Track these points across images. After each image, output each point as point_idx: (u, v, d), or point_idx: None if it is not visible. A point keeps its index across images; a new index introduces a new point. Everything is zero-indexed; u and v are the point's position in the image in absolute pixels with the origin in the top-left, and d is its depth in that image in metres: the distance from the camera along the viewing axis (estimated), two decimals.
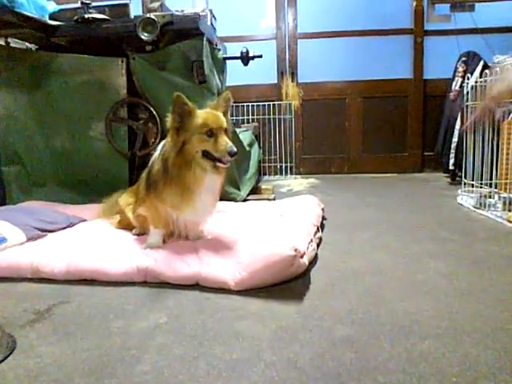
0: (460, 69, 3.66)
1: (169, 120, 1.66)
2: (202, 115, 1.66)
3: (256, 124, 4.26)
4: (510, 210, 2.39)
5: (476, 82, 2.86)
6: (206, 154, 1.66)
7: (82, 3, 2.62)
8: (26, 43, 2.90)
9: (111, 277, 1.58)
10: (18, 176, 2.82)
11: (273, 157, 4.49)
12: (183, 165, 1.67)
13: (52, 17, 2.67)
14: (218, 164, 1.67)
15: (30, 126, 2.78)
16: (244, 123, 4.29)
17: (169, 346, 1.12)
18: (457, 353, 1.05)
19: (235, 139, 2.95)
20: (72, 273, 1.60)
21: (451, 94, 3.72)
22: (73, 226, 2.20)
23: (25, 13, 2.41)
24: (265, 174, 4.48)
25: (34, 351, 1.11)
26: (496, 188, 2.68)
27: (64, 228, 2.14)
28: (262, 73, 4.39)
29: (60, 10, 2.74)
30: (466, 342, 1.10)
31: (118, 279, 1.57)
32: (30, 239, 1.91)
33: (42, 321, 1.28)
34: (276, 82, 4.49)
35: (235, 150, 1.63)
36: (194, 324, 1.24)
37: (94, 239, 1.93)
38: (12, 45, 2.82)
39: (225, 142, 1.64)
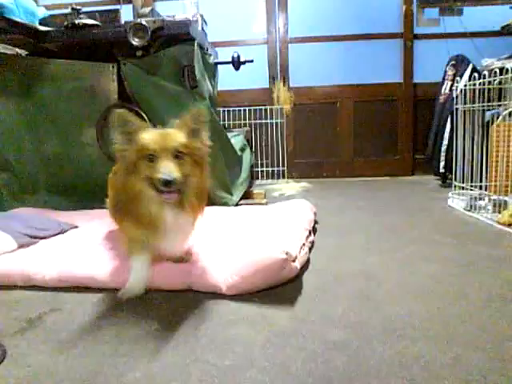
0: (449, 72, 3.69)
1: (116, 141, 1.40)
2: (144, 135, 1.37)
3: (248, 128, 4.27)
4: (499, 212, 2.41)
5: (465, 85, 2.89)
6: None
7: (73, 9, 2.61)
8: (16, 49, 2.88)
9: (103, 284, 1.57)
10: (8, 183, 2.80)
11: (265, 161, 4.50)
12: (132, 197, 1.41)
13: (42, 22, 2.66)
14: (162, 196, 1.36)
15: (20, 132, 2.77)
16: (235, 128, 4.29)
17: (161, 352, 1.12)
18: (448, 355, 1.06)
19: (226, 145, 2.96)
20: (63, 280, 1.59)
21: (441, 97, 3.75)
22: (64, 232, 2.19)
23: (14, 19, 2.40)
24: (257, 179, 4.48)
25: (25, 360, 1.10)
26: (486, 190, 2.70)
27: (55, 235, 2.13)
28: (253, 77, 4.40)
29: (50, 16, 2.74)
30: (458, 344, 1.11)
31: (110, 286, 1.56)
32: (20, 246, 1.90)
33: (33, 329, 1.28)
34: (267, 86, 4.51)
35: (171, 177, 1.29)
36: (186, 330, 1.24)
37: (86, 246, 1.92)
38: (1, 50, 2.80)
39: (162, 166, 1.32)
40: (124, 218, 1.51)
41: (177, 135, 1.39)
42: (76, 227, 2.29)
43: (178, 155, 1.36)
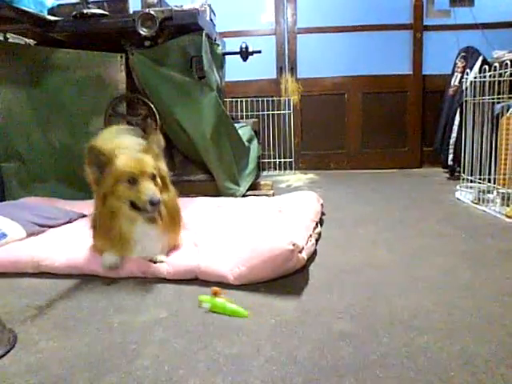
0: (459, 64, 3.65)
1: (88, 173, 1.60)
2: (121, 162, 1.53)
3: (255, 119, 4.25)
4: (508, 205, 2.39)
5: (475, 77, 2.86)
6: (135, 205, 1.52)
7: None
8: (25, 38, 2.89)
9: (111, 272, 1.58)
10: (17, 172, 2.82)
11: (272, 152, 4.49)
12: (109, 217, 1.55)
13: (51, 12, 2.66)
14: (144, 214, 1.53)
15: (29, 122, 2.78)
16: (243, 119, 4.28)
17: (169, 340, 1.13)
18: (455, 347, 1.06)
19: (234, 136, 2.96)
20: (72, 267, 1.61)
21: (450, 89, 3.72)
22: (73, 221, 2.21)
23: (23, 8, 2.40)
24: (264, 170, 4.48)
25: (35, 346, 1.12)
26: (494, 183, 2.68)
27: (64, 223, 2.15)
28: (261, 68, 4.38)
29: (59, 6, 2.73)
30: (465, 336, 1.11)
31: (118, 274, 1.57)
32: (30, 235, 1.92)
33: (43, 316, 1.29)
34: (275, 77, 4.49)
35: (158, 197, 1.47)
36: (193, 319, 1.25)
37: None
38: (10, 40, 2.81)
39: (146, 188, 1.49)
40: (98, 233, 1.63)
41: (149, 159, 1.57)
42: (84, 216, 2.30)
43: (152, 178, 1.54)
